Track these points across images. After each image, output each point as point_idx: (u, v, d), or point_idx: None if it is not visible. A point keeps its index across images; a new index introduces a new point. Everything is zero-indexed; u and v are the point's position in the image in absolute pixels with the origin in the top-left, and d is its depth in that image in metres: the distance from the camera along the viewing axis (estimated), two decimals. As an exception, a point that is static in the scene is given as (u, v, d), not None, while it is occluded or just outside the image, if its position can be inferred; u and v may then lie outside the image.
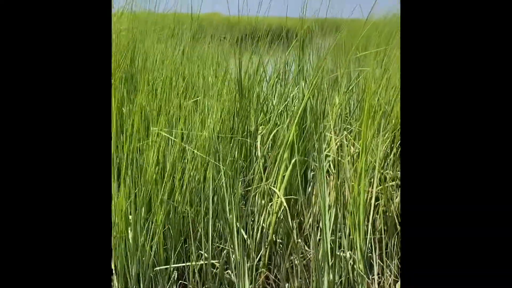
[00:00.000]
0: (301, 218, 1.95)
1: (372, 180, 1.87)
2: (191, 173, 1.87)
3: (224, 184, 1.83)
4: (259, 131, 2.09)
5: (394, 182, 1.95)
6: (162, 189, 1.80)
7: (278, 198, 1.90)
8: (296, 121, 1.96)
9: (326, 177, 1.88)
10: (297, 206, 1.98)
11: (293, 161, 1.94)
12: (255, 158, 2.06)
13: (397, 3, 1.14)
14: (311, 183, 2.01)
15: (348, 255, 1.86)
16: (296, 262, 1.87)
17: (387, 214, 1.91)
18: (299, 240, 1.90)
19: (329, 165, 1.98)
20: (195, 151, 1.85)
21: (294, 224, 1.87)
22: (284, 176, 1.93)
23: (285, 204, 1.87)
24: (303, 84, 2.19)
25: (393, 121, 2.00)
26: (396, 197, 1.92)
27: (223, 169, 1.82)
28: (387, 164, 1.96)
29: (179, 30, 2.65)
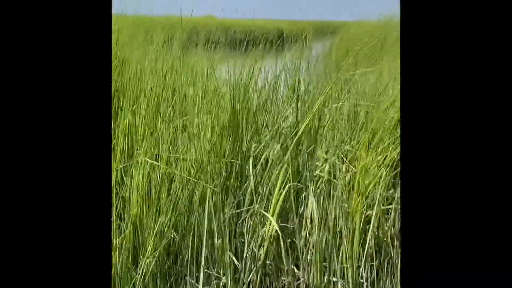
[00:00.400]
0: (293, 239, 1.90)
1: (366, 203, 1.84)
2: (178, 194, 1.81)
3: (212, 207, 1.78)
4: (252, 150, 2.06)
5: (391, 206, 1.92)
6: (148, 213, 1.74)
7: (271, 224, 1.85)
8: (289, 158, 1.91)
9: (319, 198, 1.86)
10: (288, 227, 1.94)
11: (286, 187, 1.90)
12: (246, 178, 2.02)
13: (397, 6, 1.15)
14: (304, 205, 1.97)
15: (339, 283, 1.81)
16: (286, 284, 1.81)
17: (380, 236, 1.87)
18: (292, 265, 1.85)
19: (322, 187, 1.95)
20: (183, 175, 1.80)
21: (286, 246, 1.82)
22: (277, 199, 1.89)
23: (277, 228, 1.82)
24: (299, 104, 2.17)
25: (390, 149, 1.97)
26: (389, 220, 1.89)
27: (209, 191, 1.78)
28: (381, 186, 1.93)
29: (169, 42, 2.63)
